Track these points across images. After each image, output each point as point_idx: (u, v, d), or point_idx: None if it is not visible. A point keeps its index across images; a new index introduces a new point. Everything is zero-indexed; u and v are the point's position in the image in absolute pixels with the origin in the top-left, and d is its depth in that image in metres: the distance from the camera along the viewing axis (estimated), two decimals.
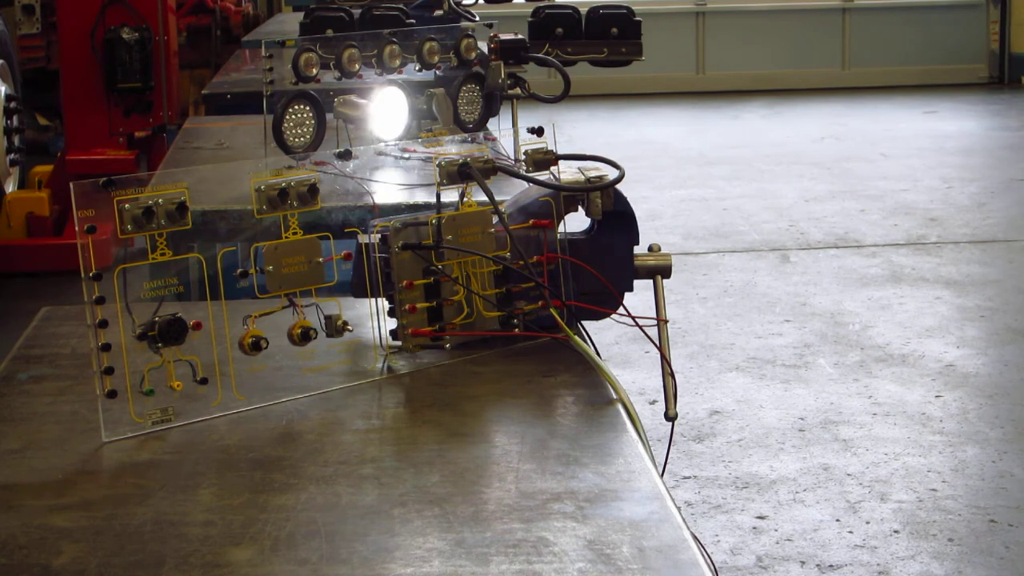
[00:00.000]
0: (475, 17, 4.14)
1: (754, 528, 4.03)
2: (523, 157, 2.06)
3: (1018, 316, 6.00)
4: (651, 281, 2.09)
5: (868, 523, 4.04)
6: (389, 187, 2.79)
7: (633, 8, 3.48)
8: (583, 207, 2.04)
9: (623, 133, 10.92)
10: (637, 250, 2.08)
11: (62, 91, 7.28)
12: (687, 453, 4.56)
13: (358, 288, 1.97)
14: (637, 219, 2.06)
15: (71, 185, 1.62)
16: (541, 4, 3.58)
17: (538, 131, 2.09)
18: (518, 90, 2.93)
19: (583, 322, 2.03)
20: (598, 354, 1.90)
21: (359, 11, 3.81)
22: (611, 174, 2.05)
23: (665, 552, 1.37)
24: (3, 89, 7.50)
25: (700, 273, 6.78)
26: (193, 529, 1.43)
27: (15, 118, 7.63)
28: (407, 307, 1.90)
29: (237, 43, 7.79)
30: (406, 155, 2.97)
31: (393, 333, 1.92)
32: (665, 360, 2.02)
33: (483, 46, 3.01)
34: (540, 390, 1.83)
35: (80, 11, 7.07)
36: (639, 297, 2.12)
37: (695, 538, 1.42)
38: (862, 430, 4.73)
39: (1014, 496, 4.20)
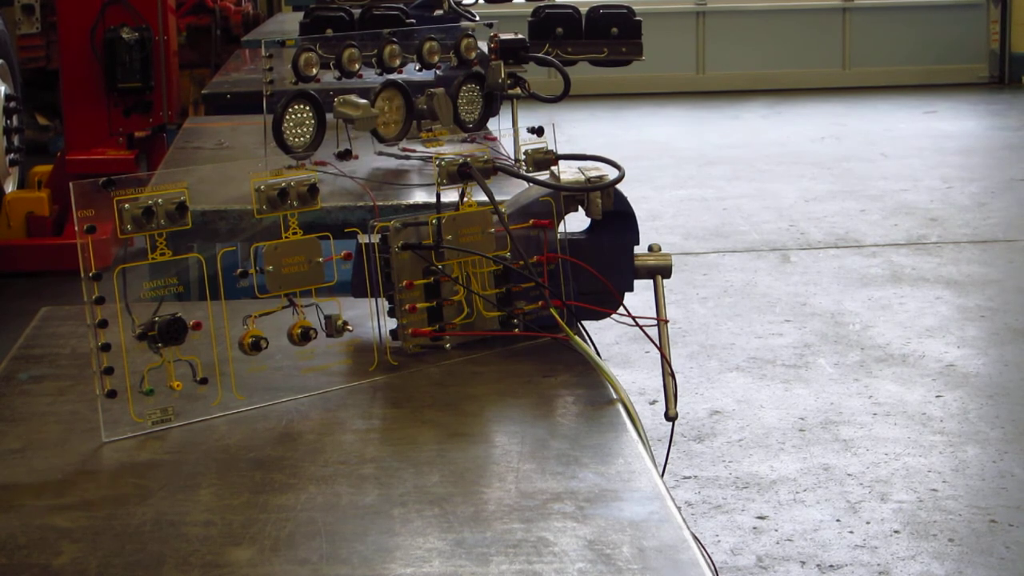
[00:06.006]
0: (475, 17, 4.14)
1: (754, 528, 4.03)
2: (523, 157, 2.06)
3: (1018, 316, 6.00)
4: (651, 281, 2.09)
5: (868, 523, 4.04)
6: (389, 187, 2.79)
7: (633, 8, 3.48)
8: (583, 207, 2.03)
9: (623, 133, 10.92)
10: (637, 250, 2.08)
11: (62, 91, 7.28)
12: (687, 453, 4.56)
13: (358, 288, 1.97)
14: (637, 219, 2.06)
15: (71, 185, 1.62)
16: (541, 4, 3.58)
17: (538, 131, 2.09)
18: (518, 90, 2.93)
19: (583, 322, 2.03)
20: (598, 354, 1.90)
21: (359, 11, 3.81)
22: (611, 174, 2.05)
23: (665, 552, 1.37)
24: (3, 89, 7.50)
25: (700, 273, 6.78)
26: (193, 529, 1.43)
27: (15, 118, 7.63)
28: (407, 307, 1.90)
29: (237, 43, 7.79)
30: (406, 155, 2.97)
31: (393, 333, 1.92)
32: (665, 360, 2.02)
33: (483, 46, 3.00)
34: (540, 390, 1.83)
35: (80, 11, 7.07)
36: (639, 297, 2.12)
37: (695, 538, 1.42)
38: (862, 430, 4.73)
39: (1014, 496, 4.20)
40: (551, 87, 2.98)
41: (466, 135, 2.93)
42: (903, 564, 3.80)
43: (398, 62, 2.87)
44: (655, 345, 2.03)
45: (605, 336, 5.33)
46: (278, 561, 1.36)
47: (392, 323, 1.92)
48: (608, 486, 1.52)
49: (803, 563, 3.82)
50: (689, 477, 4.39)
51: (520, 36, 2.97)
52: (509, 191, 2.16)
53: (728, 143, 10.33)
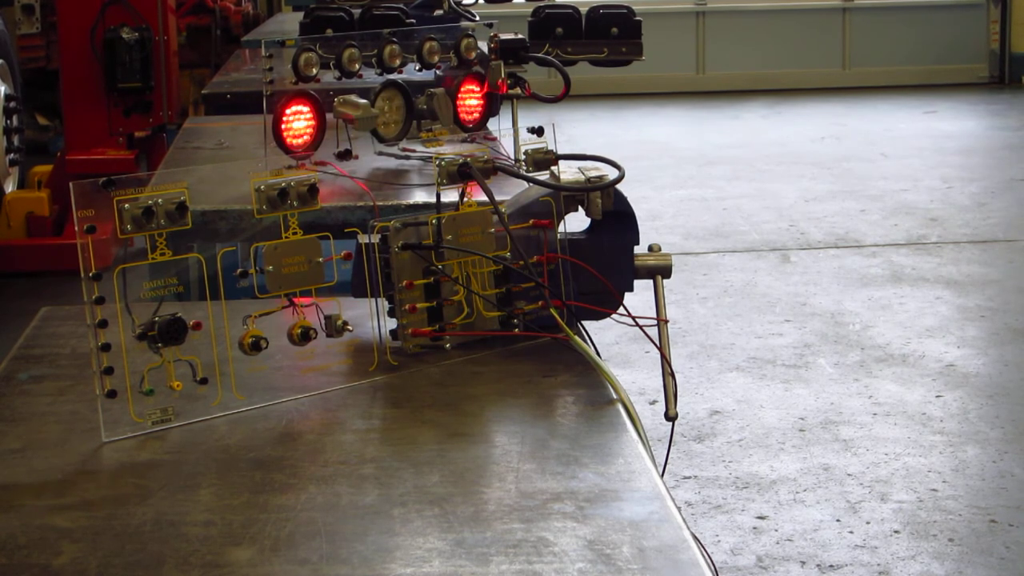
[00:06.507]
0: (475, 17, 4.14)
1: (754, 528, 4.03)
2: (523, 157, 2.06)
3: (1018, 316, 6.00)
4: (651, 281, 2.09)
5: (868, 523, 4.04)
6: (389, 187, 2.79)
7: (633, 8, 3.48)
8: (583, 207, 2.04)
9: (623, 133, 10.92)
10: (637, 250, 2.08)
11: (62, 91, 7.28)
12: (687, 453, 4.56)
13: (358, 288, 1.97)
14: (637, 219, 2.06)
15: (71, 185, 1.62)
16: (541, 4, 3.58)
17: (538, 131, 2.09)
18: (518, 90, 2.93)
19: (583, 322, 2.03)
20: (598, 354, 1.90)
21: (359, 11, 3.81)
22: (611, 174, 2.05)
23: (665, 552, 1.37)
24: (3, 89, 7.50)
25: (700, 273, 6.78)
26: (193, 529, 1.43)
27: (15, 118, 7.63)
28: (407, 307, 1.90)
29: (237, 43, 7.79)
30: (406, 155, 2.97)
31: (393, 333, 1.92)
32: (665, 360, 2.02)
33: (483, 46, 3.01)
34: (540, 390, 1.83)
35: (80, 11, 7.06)
36: (639, 297, 2.12)
37: (695, 538, 1.42)
38: (862, 430, 4.73)
39: (1014, 496, 4.20)
40: (551, 87, 2.98)
41: (466, 135, 2.93)
42: (903, 564, 3.80)
43: (398, 62, 2.87)
44: (655, 345, 2.03)
45: (605, 336, 5.33)
46: (278, 561, 1.36)
47: (392, 323, 1.92)
48: (608, 486, 1.52)
49: (803, 563, 3.82)
50: (689, 477, 4.39)
51: (520, 36, 2.97)
52: (509, 191, 2.16)
53: (728, 143, 10.33)
